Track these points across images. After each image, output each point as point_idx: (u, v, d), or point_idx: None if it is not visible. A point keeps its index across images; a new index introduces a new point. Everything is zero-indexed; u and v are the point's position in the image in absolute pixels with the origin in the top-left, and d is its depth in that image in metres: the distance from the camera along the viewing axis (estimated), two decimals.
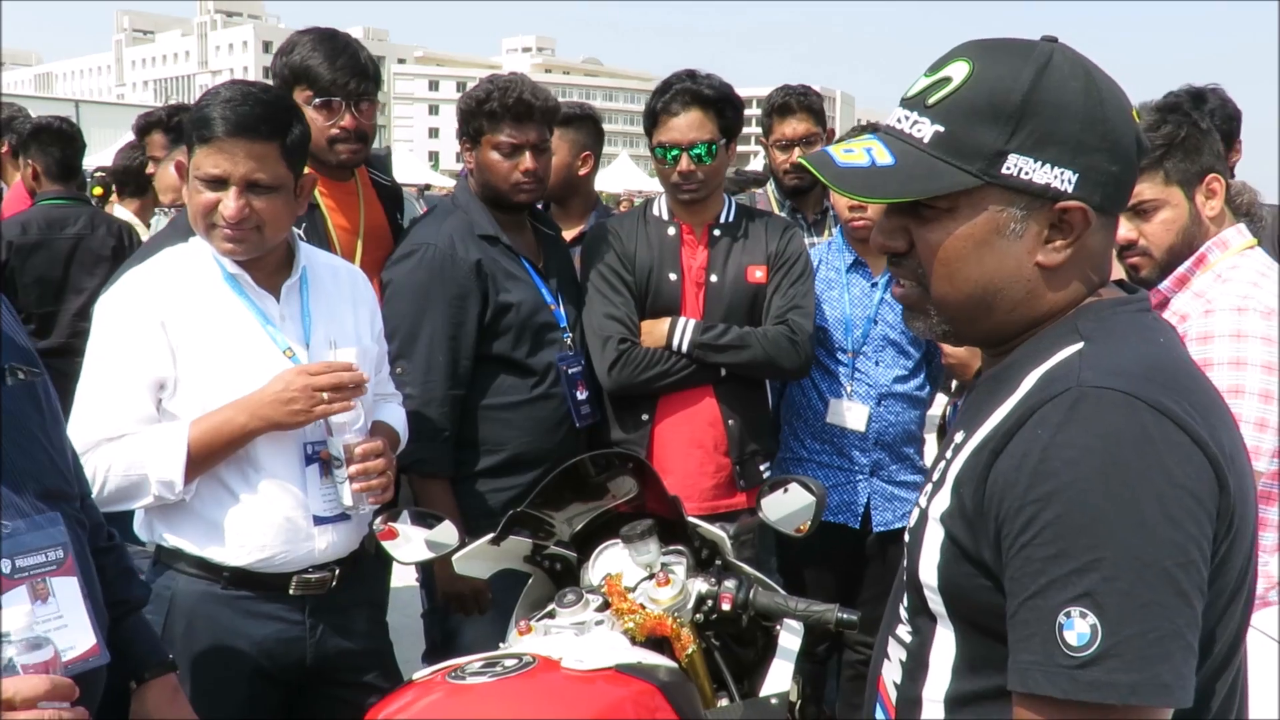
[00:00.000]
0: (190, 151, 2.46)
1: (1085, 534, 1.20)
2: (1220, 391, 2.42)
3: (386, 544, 2.62)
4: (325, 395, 2.46)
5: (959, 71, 1.37)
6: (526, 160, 3.31)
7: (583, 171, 4.34)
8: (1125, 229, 2.73)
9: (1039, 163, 1.34)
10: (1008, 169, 1.34)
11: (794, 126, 4.54)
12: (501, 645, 2.40)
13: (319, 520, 2.54)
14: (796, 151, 4.43)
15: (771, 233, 3.64)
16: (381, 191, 3.59)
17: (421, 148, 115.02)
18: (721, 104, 3.49)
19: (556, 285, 3.50)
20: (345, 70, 3.21)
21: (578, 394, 3.43)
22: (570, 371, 3.42)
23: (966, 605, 1.37)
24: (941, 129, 1.37)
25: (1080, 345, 1.35)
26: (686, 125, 3.45)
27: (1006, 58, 1.37)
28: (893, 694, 1.52)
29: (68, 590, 1.75)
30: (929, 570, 1.40)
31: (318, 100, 3.19)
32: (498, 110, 3.28)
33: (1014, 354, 1.43)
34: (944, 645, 1.42)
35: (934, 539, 1.39)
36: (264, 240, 2.48)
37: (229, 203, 2.41)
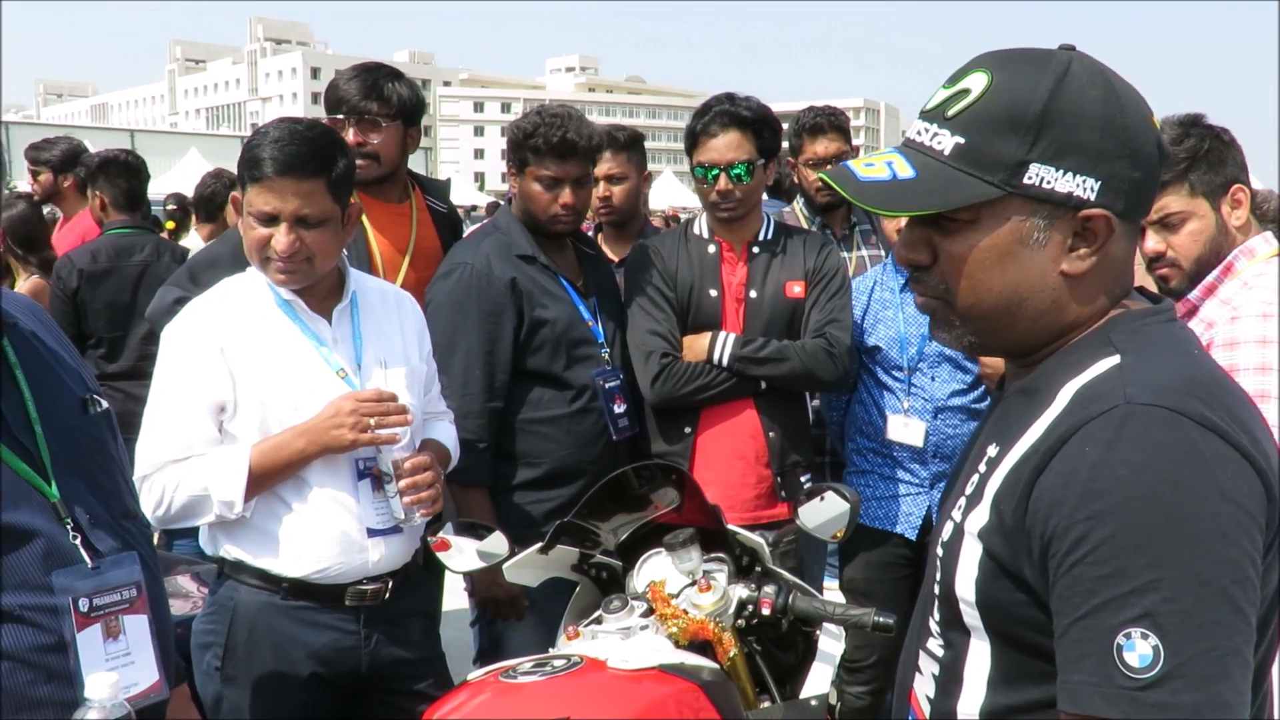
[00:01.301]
0: (243, 189, 2.56)
1: (1142, 553, 1.19)
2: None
3: (441, 555, 2.69)
4: (372, 422, 2.55)
5: (978, 83, 1.37)
6: (566, 195, 3.40)
7: (646, 190, 4.53)
8: (1154, 241, 2.76)
9: (1061, 171, 1.33)
10: (1029, 179, 1.34)
11: (825, 145, 4.66)
12: (551, 649, 2.48)
13: (372, 533, 2.62)
14: (827, 169, 4.52)
15: (809, 249, 3.70)
16: (437, 217, 3.75)
17: (467, 169, 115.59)
18: (759, 125, 3.57)
19: (596, 303, 3.57)
20: (351, 88, 3.40)
21: (615, 408, 3.49)
22: (608, 386, 3.48)
23: (1003, 619, 1.36)
24: (962, 141, 1.36)
25: (1117, 359, 1.34)
26: (725, 146, 3.53)
27: (1025, 68, 1.36)
28: (926, 708, 1.52)
29: (138, 628, 1.82)
30: (966, 585, 1.39)
31: (329, 116, 3.38)
32: (541, 146, 3.37)
33: (1043, 365, 1.42)
34: (979, 659, 1.41)
35: (971, 554, 1.38)
36: (314, 270, 2.59)
37: (280, 238, 2.51)
